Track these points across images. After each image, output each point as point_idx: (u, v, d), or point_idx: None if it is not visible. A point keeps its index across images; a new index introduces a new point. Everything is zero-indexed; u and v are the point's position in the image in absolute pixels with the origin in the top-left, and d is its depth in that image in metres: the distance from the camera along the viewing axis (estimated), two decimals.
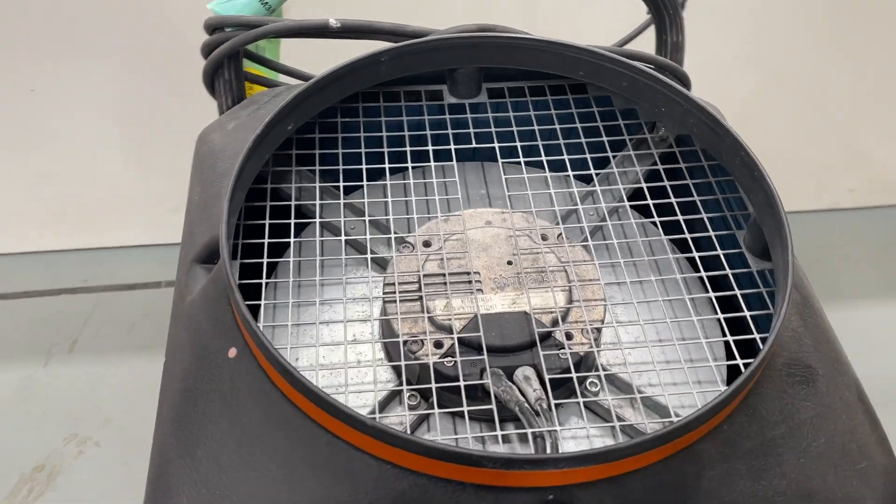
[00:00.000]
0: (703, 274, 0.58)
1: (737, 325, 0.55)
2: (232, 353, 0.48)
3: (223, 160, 0.61)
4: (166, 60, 1.30)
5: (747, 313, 0.55)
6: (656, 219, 0.62)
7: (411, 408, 0.56)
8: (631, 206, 0.66)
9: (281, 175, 0.64)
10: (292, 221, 0.60)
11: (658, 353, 0.56)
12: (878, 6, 1.37)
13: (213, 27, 0.71)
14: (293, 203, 0.62)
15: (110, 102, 1.39)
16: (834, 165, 1.53)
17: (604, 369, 0.57)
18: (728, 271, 0.57)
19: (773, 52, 1.40)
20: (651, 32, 0.76)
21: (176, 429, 0.48)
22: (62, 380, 1.43)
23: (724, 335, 0.55)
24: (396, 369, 0.57)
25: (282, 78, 0.81)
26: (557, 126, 0.67)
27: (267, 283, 0.56)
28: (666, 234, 0.62)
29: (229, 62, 0.72)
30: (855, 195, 1.58)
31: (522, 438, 0.53)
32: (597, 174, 0.67)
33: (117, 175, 1.50)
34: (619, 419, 0.53)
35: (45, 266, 1.60)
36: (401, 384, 0.57)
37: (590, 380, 0.57)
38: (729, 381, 0.52)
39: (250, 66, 0.76)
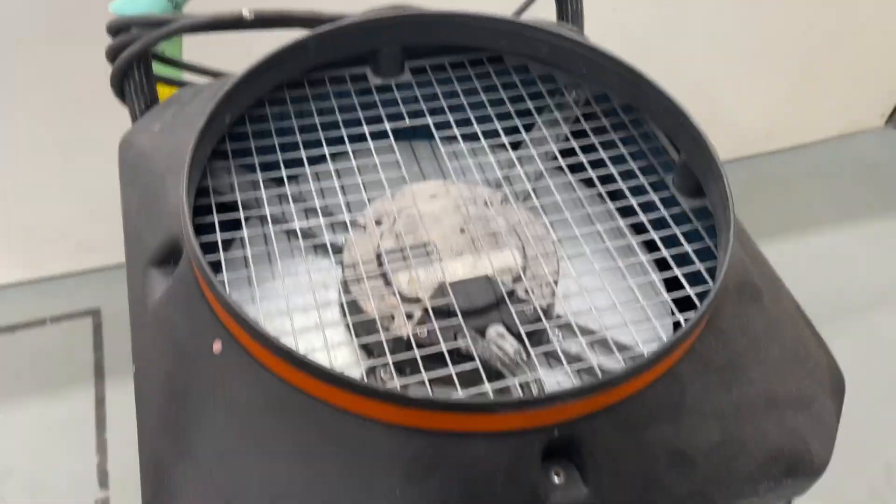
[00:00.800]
0: (643, 218, 0.62)
1: (679, 261, 0.59)
2: (216, 347, 0.47)
3: (158, 160, 0.59)
4: (22, 82, 1.20)
5: (688, 247, 0.59)
6: (590, 174, 0.66)
7: (386, 383, 0.57)
8: (562, 166, 0.69)
9: (217, 173, 0.62)
10: (241, 215, 0.59)
11: (611, 298, 0.59)
12: None
13: (118, 29, 0.68)
14: (238, 197, 0.60)
15: None
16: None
17: (559, 318, 0.60)
18: (664, 212, 0.62)
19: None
20: (541, 1, 0.79)
21: (167, 433, 0.46)
22: None
23: (667, 272, 0.59)
24: (365, 348, 0.58)
25: (187, 77, 0.79)
26: (484, 97, 0.70)
27: (228, 281, 0.55)
28: (598, 187, 0.65)
29: (138, 64, 0.69)
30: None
31: (504, 392, 0.55)
32: (526, 139, 0.70)
33: None
34: (574, 358, 0.56)
35: None
36: (375, 361, 0.57)
37: (552, 330, 0.60)
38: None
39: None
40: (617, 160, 0.66)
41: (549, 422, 0.44)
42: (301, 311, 0.59)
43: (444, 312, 0.57)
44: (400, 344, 0.56)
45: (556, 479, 0.46)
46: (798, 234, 1.68)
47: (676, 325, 0.58)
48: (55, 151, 1.32)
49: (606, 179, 0.65)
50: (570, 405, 0.43)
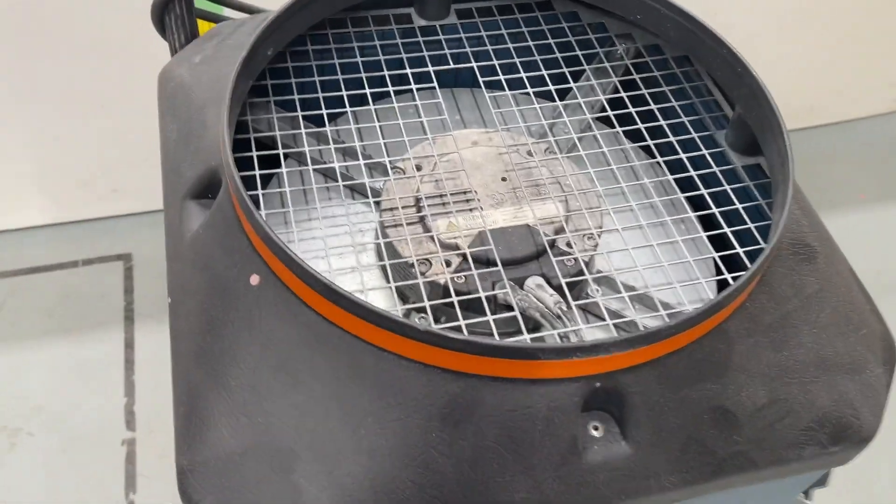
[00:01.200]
0: (692, 174, 0.60)
1: (728, 220, 0.57)
2: (254, 280, 0.46)
3: (198, 91, 0.58)
4: (56, 26, 1.20)
5: (739, 205, 0.57)
6: (639, 126, 0.63)
7: None
8: (609, 118, 0.67)
9: (256, 109, 0.61)
10: (280, 152, 0.58)
11: (655, 254, 0.58)
12: None
13: None
14: (277, 133, 0.59)
15: None
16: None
17: (600, 272, 0.58)
18: (715, 168, 0.59)
19: None
20: None
21: (202, 363, 0.46)
22: None
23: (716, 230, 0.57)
24: (400, 293, 0.57)
25: (227, 12, 0.77)
26: (531, 43, 0.68)
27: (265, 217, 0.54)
28: (647, 140, 0.63)
29: None
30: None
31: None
32: (574, 88, 0.67)
33: (12, 152, 1.39)
34: (616, 314, 0.55)
35: None
36: (411, 306, 0.56)
37: (583, 281, 0.58)
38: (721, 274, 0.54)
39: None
40: (667, 114, 0.64)
41: (592, 372, 0.43)
42: (336, 252, 0.58)
43: (482, 261, 0.56)
44: (436, 290, 0.55)
45: (594, 433, 0.45)
46: (840, 212, 1.63)
47: (722, 285, 0.56)
48: (89, 95, 1.31)
49: (655, 133, 0.63)
50: (615, 356, 0.42)
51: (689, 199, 0.62)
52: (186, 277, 0.50)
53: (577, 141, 0.63)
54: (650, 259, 0.57)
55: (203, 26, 0.73)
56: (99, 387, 1.33)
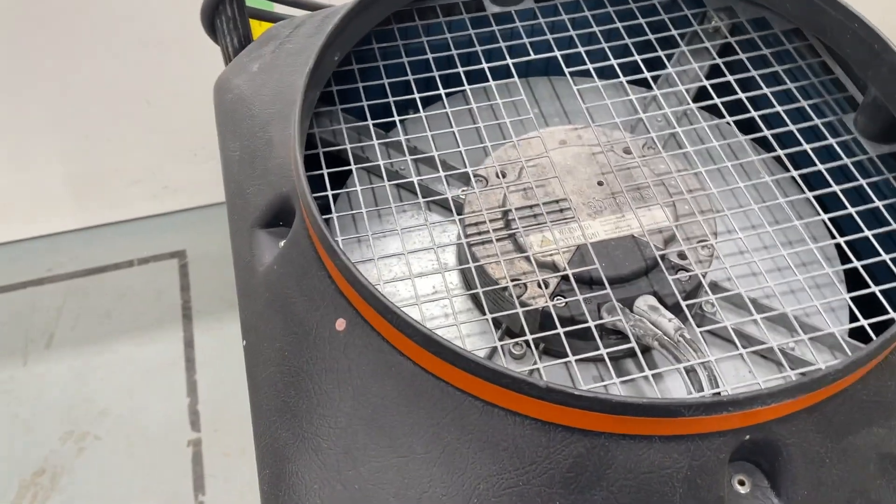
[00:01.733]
0: (820, 167, 0.52)
1: (866, 220, 0.50)
2: (340, 325, 0.41)
3: (260, 105, 0.52)
4: (98, 24, 1.16)
5: (879, 202, 0.50)
6: (751, 113, 0.56)
7: (516, 358, 0.50)
8: (714, 105, 0.59)
9: (321, 120, 0.55)
10: (353, 167, 0.52)
11: (786, 264, 0.50)
12: None
13: None
14: (348, 147, 0.53)
15: (35, 73, 1.24)
16: None
17: (718, 288, 0.52)
18: (846, 160, 0.52)
19: None
20: None
21: (286, 421, 0.41)
22: (46, 377, 1.33)
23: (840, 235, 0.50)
24: (494, 321, 0.51)
25: (279, 9, 0.71)
26: (619, 24, 0.60)
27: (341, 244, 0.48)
28: (764, 131, 0.55)
29: None
30: None
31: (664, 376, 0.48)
32: (671, 72, 0.60)
33: (63, 154, 1.37)
34: (744, 337, 0.48)
35: (3, 259, 1.48)
36: (504, 336, 0.51)
37: (704, 301, 0.52)
38: (851, 288, 0.47)
39: None
40: (780, 98, 0.56)
41: (742, 425, 0.37)
42: (420, 276, 0.52)
43: (584, 280, 0.49)
44: (532, 316, 0.49)
45: (739, 488, 0.39)
46: None
47: (861, 300, 0.48)
48: (134, 93, 1.28)
49: (769, 121, 0.56)
50: (772, 406, 0.36)
51: (817, 196, 0.55)
52: (262, 319, 0.45)
53: (680, 133, 0.56)
54: (773, 268, 0.50)
55: (256, 27, 0.67)
56: (162, 387, 1.31)
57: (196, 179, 1.45)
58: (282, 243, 0.46)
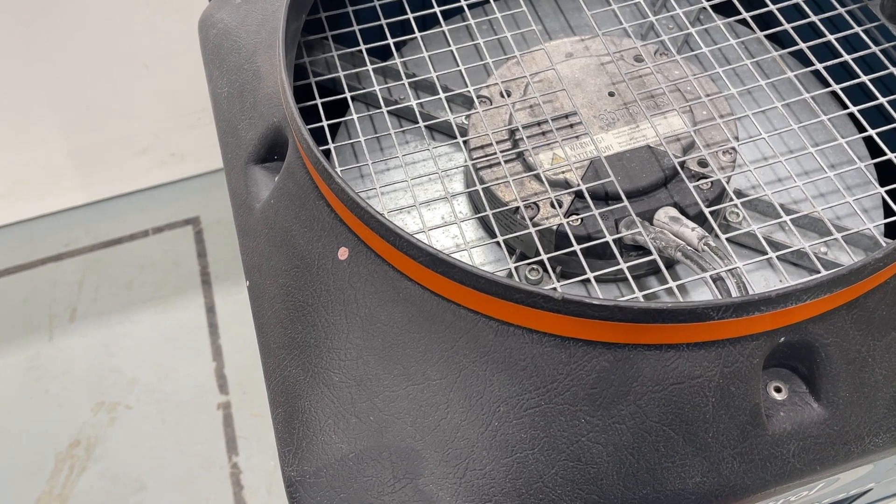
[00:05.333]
0: (846, 57, 0.49)
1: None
2: (343, 254, 0.38)
3: (245, 37, 0.49)
4: None
5: None
6: (769, 6, 0.52)
7: (532, 283, 0.48)
8: (727, 1, 0.56)
9: (312, 48, 0.52)
10: (347, 95, 0.49)
11: (816, 164, 0.48)
12: None
13: None
14: (341, 74, 0.51)
15: (29, 45, 1.21)
16: None
17: (742, 195, 0.49)
18: (874, 48, 0.48)
19: None
20: None
21: (296, 357, 0.39)
22: (73, 350, 1.34)
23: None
24: (499, 244, 0.49)
25: None
26: None
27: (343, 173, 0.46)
28: (784, 24, 0.52)
29: None
30: None
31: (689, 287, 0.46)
32: None
33: (67, 128, 1.35)
34: (772, 245, 0.46)
35: (19, 238, 1.48)
36: (519, 258, 0.48)
37: (729, 210, 0.49)
38: (884, 184, 0.44)
39: None
40: None
41: (775, 326, 0.34)
42: (427, 206, 0.50)
43: (600, 196, 0.47)
44: (547, 237, 0.46)
45: (775, 395, 0.37)
46: None
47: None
48: (131, 59, 1.26)
49: (787, 14, 0.52)
50: (807, 304, 0.33)
51: (844, 89, 0.51)
52: (263, 256, 0.43)
53: (694, 34, 0.53)
54: (799, 172, 0.47)
55: None
56: (187, 353, 1.32)
57: (202, 144, 1.43)
58: (277, 178, 0.44)
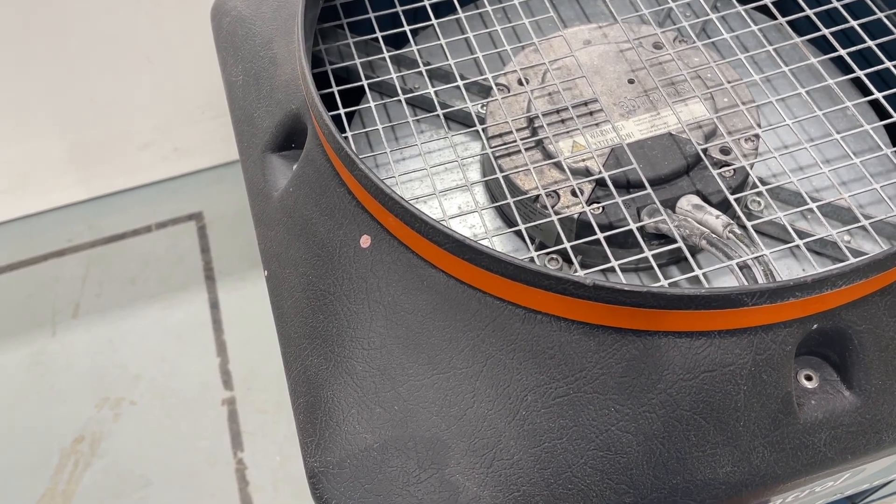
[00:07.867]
0: (871, 43, 0.48)
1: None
2: (365, 241, 0.38)
3: (260, 24, 0.49)
4: None
5: None
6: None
7: None
8: None
9: (327, 36, 0.52)
10: (364, 83, 0.49)
11: (821, 153, 0.47)
12: None
13: None
14: (357, 62, 0.50)
15: (30, 38, 1.20)
16: None
17: (765, 183, 0.48)
18: None
19: None
20: None
21: (317, 347, 0.38)
22: (76, 346, 1.33)
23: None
24: (519, 234, 0.48)
25: None
26: None
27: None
28: (806, 10, 0.51)
29: None
30: None
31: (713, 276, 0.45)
32: None
33: (70, 123, 1.34)
34: (797, 233, 0.45)
35: (22, 234, 1.47)
36: (539, 248, 0.48)
37: (750, 199, 0.48)
38: None
39: None
40: None
41: (808, 312, 0.34)
42: (446, 196, 0.49)
43: (621, 184, 0.46)
44: (568, 226, 0.46)
45: (806, 383, 0.36)
46: None
47: None
48: (134, 52, 1.25)
49: (806, 0, 0.51)
50: (841, 290, 0.32)
51: (868, 75, 0.50)
52: (282, 246, 0.42)
53: (715, 20, 0.52)
54: (823, 160, 0.46)
55: None
56: (191, 349, 1.31)
57: (206, 139, 1.42)
58: (296, 166, 0.43)
